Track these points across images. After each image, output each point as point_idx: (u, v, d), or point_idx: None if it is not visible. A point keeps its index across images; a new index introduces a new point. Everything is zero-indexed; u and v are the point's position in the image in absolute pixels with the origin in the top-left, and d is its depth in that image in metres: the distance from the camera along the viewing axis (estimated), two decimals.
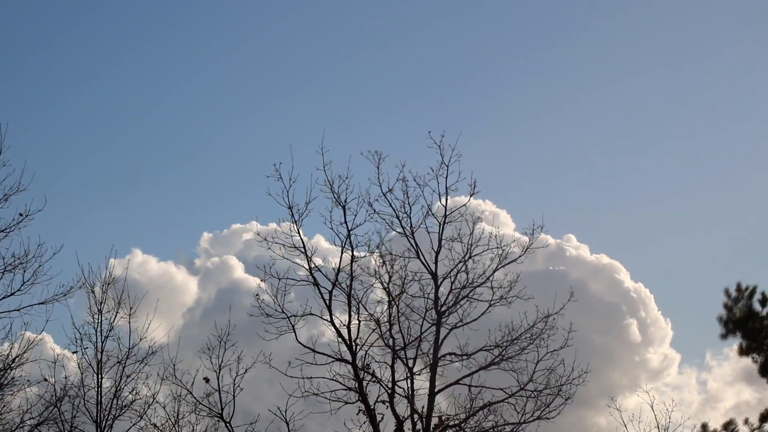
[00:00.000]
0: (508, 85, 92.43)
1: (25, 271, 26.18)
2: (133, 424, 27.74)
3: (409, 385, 27.59)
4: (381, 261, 27.85)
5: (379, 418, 27.30)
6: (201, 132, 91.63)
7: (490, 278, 28.11)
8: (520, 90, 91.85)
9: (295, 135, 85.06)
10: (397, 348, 27.59)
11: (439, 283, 28.04)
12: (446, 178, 28.11)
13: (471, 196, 28.15)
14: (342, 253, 27.61)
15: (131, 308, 28.07)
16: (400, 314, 27.74)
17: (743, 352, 21.19)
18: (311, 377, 27.58)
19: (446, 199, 28.18)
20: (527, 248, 28.48)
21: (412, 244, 28.10)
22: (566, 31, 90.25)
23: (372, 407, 27.30)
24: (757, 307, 20.41)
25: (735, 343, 20.99)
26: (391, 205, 28.01)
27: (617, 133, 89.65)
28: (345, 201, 27.62)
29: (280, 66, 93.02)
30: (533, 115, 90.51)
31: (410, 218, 28.13)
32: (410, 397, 27.46)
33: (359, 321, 27.59)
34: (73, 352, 27.92)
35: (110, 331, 27.90)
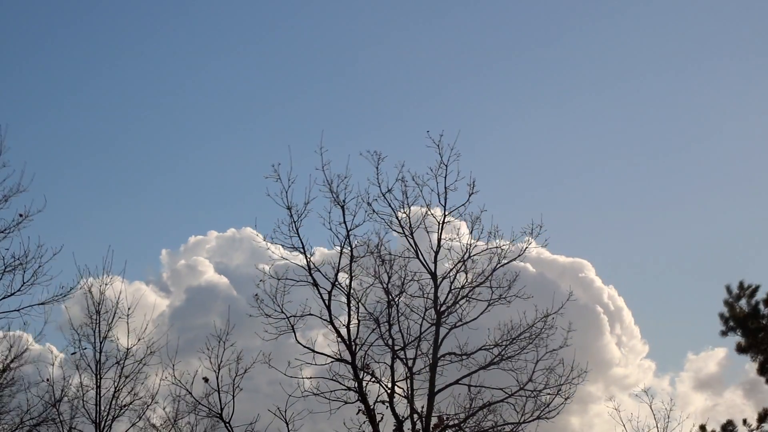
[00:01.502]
0: (484, 86, 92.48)
1: (24, 271, 26.39)
2: (132, 425, 27.77)
3: (409, 385, 27.54)
4: (380, 261, 27.82)
5: (378, 418, 27.25)
6: (171, 141, 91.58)
7: (489, 278, 28.09)
8: (484, 93, 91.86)
9: (292, 137, 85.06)
10: (396, 348, 27.56)
11: (438, 282, 28.01)
12: (445, 177, 28.08)
13: (470, 195, 28.15)
14: (341, 253, 27.60)
15: (129, 309, 28.10)
16: (399, 314, 27.71)
17: (741, 350, 21.20)
18: (311, 377, 27.63)
19: (445, 199, 28.20)
20: (526, 248, 28.48)
21: (411, 244, 28.08)
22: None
23: (371, 407, 27.27)
24: (761, 306, 20.33)
25: (734, 340, 20.99)
26: (390, 205, 28.02)
27: (574, 132, 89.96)
28: (344, 201, 27.62)
29: (278, 67, 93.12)
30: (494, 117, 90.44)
31: (409, 218, 28.12)
32: (410, 397, 27.43)
33: (358, 321, 27.58)
34: (72, 353, 27.90)
35: (108, 331, 27.91)
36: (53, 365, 27.79)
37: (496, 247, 28.29)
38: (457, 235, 28.16)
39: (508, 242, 28.47)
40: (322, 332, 28.18)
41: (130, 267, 28.09)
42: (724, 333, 20.66)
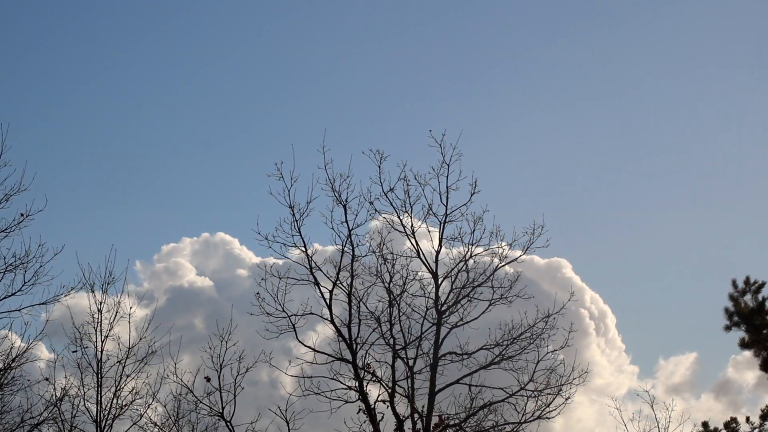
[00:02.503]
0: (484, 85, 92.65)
1: (25, 271, 26.26)
2: (134, 423, 27.72)
3: (410, 385, 27.55)
4: (382, 260, 27.89)
5: (379, 417, 27.29)
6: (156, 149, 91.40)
7: (491, 277, 28.13)
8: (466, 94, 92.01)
9: (292, 137, 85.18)
10: (397, 347, 27.58)
11: (439, 282, 28.07)
12: (447, 177, 28.10)
13: (472, 195, 28.19)
14: (343, 252, 27.64)
15: (131, 308, 28.07)
16: (400, 313, 27.75)
17: (745, 345, 21.25)
18: (311, 376, 27.66)
19: (447, 198, 28.25)
20: (528, 247, 28.55)
21: (412, 244, 28.14)
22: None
23: (372, 406, 27.30)
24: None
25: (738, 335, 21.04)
26: (392, 204, 28.05)
27: (562, 134, 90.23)
28: (346, 200, 27.65)
29: (279, 66, 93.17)
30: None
31: (411, 218, 28.19)
32: (410, 397, 27.45)
33: (359, 320, 27.61)
34: (73, 352, 27.88)
35: (110, 330, 27.89)
36: (54, 364, 27.78)
37: (498, 247, 28.40)
38: (459, 234, 28.26)
39: (509, 242, 28.58)
40: (321, 330, 28.26)
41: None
42: (728, 328, 20.70)
